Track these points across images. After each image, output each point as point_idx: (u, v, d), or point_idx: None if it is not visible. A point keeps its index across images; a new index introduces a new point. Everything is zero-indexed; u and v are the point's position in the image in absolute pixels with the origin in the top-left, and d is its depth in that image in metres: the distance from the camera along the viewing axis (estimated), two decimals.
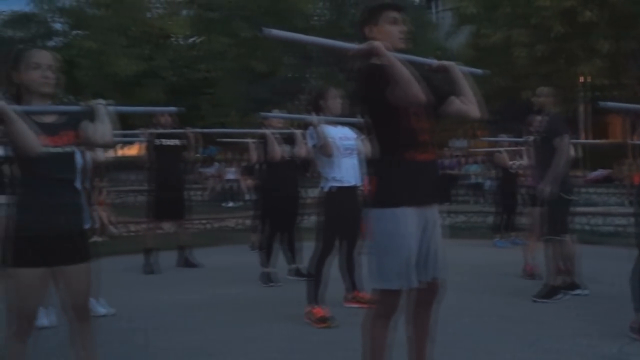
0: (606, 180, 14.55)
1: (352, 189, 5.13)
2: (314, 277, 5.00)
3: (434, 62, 3.01)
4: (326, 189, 5.06)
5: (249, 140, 7.95)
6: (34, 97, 2.87)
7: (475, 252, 8.61)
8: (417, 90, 2.66)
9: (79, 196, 3.01)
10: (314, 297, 4.95)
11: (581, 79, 15.34)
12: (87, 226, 3.13)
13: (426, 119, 2.93)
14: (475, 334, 4.52)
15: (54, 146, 2.83)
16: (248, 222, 12.84)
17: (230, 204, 14.85)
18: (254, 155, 7.78)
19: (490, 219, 11.75)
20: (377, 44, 2.70)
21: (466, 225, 12.60)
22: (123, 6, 16.47)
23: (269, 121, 6.67)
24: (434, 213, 3.01)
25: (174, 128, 7.66)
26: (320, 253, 5.04)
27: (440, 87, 3.04)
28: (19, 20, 16.52)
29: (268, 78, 16.33)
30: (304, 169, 6.90)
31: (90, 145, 3.03)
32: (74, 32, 16.88)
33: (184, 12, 21.26)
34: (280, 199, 6.53)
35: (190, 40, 21.67)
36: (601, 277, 6.63)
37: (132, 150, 16.53)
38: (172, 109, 3.81)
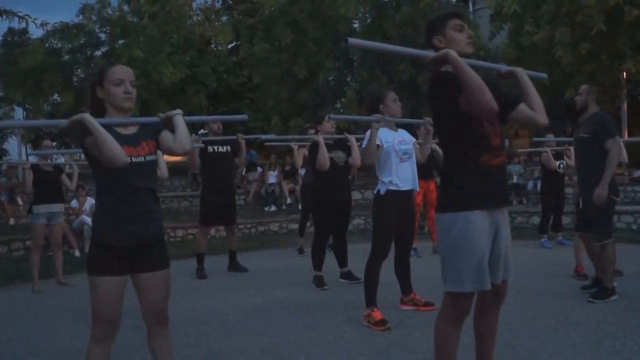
0: None
1: (408, 193, 5.20)
2: (370, 280, 5.07)
3: (503, 67, 3.05)
4: (382, 192, 5.12)
5: (293, 144, 8.05)
6: (116, 112, 3.01)
7: (523, 253, 8.57)
8: (490, 98, 2.72)
9: (159, 205, 3.12)
10: (372, 299, 5.02)
11: (624, 75, 15.07)
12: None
13: (497, 124, 3.00)
14: (533, 336, 4.52)
15: (136, 156, 2.95)
16: (292, 225, 13.04)
17: (273, 208, 14.95)
18: (298, 160, 7.89)
19: (534, 220, 11.70)
20: (451, 52, 2.77)
21: (511, 225, 12.48)
22: (166, 14, 16.67)
23: (322, 126, 6.72)
24: (504, 216, 3.09)
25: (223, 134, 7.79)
26: (375, 256, 5.09)
27: (509, 93, 3.10)
28: (68, 30, 16.89)
29: (310, 83, 16.38)
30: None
31: (171, 153, 3.13)
32: (120, 41, 17.17)
33: (224, 18, 21.53)
34: (333, 203, 6.58)
35: (230, 46, 21.87)
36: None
37: (175, 156, 16.73)
38: (243, 117, 3.92)
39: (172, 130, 3.07)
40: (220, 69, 20.87)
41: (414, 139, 5.44)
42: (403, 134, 5.33)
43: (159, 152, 3.15)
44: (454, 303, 2.98)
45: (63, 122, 2.90)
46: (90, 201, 10.91)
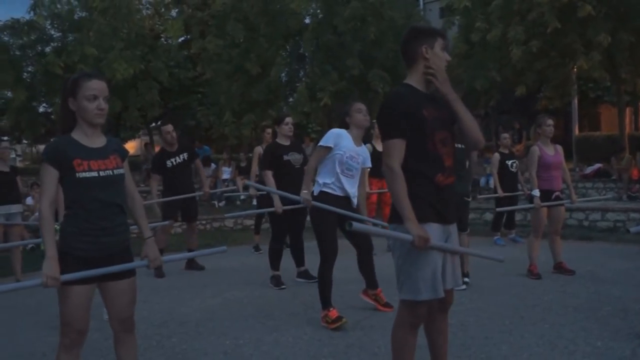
0: (601, 175, 14.57)
1: (343, 198, 5.19)
2: (324, 283, 5.06)
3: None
4: (315, 193, 5.17)
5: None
6: (87, 126, 2.98)
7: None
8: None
9: (126, 215, 3.12)
10: (327, 301, 5.02)
11: (574, 72, 15.40)
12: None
13: (451, 144, 3.10)
14: (489, 337, 4.57)
15: (104, 170, 2.96)
16: (247, 222, 12.97)
17: (222, 203, 14.86)
18: (254, 167, 8.00)
19: (487, 216, 11.84)
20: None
21: None
22: (116, 9, 16.43)
23: (281, 128, 6.63)
24: (454, 226, 3.20)
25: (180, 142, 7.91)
26: (324, 258, 5.09)
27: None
28: (19, 27, 16.65)
29: (262, 79, 16.28)
30: None
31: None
32: (70, 37, 16.91)
33: (174, 12, 21.27)
34: (289, 203, 6.43)
35: (180, 40, 21.60)
36: (604, 275, 6.75)
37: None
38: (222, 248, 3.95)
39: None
40: (171, 63, 20.62)
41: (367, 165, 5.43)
42: (362, 151, 5.29)
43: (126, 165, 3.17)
44: (410, 311, 3.07)
45: (36, 282, 2.87)
46: None
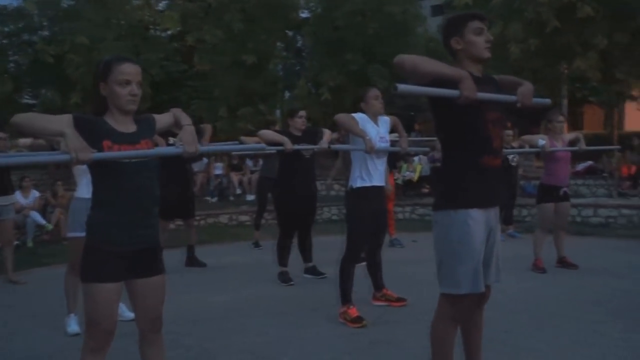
0: (592, 172, 14.77)
1: (379, 189, 5.17)
2: (346, 278, 5.02)
3: (513, 98, 3.02)
4: (355, 187, 5.07)
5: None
6: (119, 113, 2.81)
7: None
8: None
9: (158, 206, 2.94)
10: (347, 297, 4.98)
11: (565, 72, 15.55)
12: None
13: (500, 126, 3.02)
14: (509, 331, 4.57)
15: None
16: (242, 217, 12.93)
17: (215, 199, 14.80)
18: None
19: None
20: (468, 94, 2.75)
21: None
22: None
23: (293, 121, 6.52)
24: (496, 219, 3.13)
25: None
26: (350, 253, 5.04)
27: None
28: (8, 14, 16.21)
29: (259, 72, 16.20)
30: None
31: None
32: (58, 27, 16.54)
33: (163, 3, 21.06)
34: (299, 198, 6.46)
35: (169, 32, 21.41)
36: (609, 269, 6.85)
37: None
38: (261, 145, 3.84)
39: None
40: (161, 55, 20.40)
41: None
42: (383, 130, 5.23)
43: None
44: (451, 305, 3.01)
45: (65, 157, 2.56)
46: (34, 194, 10.48)
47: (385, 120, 5.29)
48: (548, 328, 4.63)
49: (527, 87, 3.02)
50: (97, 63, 2.89)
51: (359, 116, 5.04)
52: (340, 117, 5.03)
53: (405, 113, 14.57)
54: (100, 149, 2.67)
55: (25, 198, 10.47)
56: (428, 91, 2.83)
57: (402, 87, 2.64)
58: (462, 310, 3.03)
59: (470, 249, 2.91)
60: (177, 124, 3.01)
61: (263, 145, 4.17)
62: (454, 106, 2.81)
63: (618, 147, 9.95)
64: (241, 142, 7.75)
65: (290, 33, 17.46)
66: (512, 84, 3.13)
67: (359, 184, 5.06)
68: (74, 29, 15.45)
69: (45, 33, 17.54)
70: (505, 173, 9.19)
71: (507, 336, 4.44)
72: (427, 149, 8.95)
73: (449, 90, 2.75)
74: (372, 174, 5.05)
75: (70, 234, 4.69)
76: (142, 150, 2.78)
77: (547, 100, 3.42)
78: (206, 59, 16.93)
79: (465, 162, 2.95)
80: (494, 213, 3.09)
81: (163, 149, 2.98)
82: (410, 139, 6.32)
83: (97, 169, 2.75)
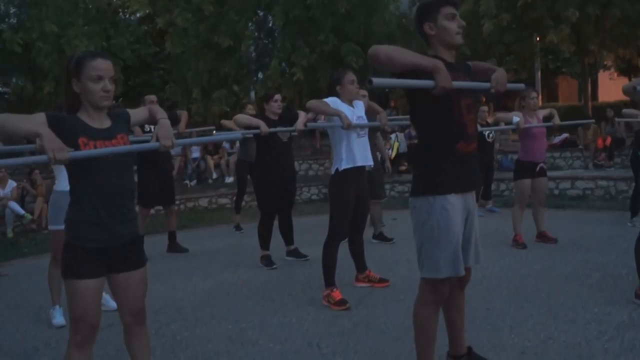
0: (568, 145, 14.92)
1: (362, 169, 5.16)
2: (328, 261, 5.03)
3: (487, 85, 3.06)
4: (340, 169, 5.03)
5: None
6: (92, 109, 2.79)
7: None
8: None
9: (134, 201, 2.95)
10: (331, 280, 5.00)
11: (538, 45, 15.66)
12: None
13: (474, 112, 3.07)
14: (491, 309, 4.63)
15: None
16: (221, 200, 12.91)
17: (194, 182, 14.73)
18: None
19: None
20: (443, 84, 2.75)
21: None
22: None
23: (269, 105, 6.45)
24: (474, 202, 3.19)
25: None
26: (333, 236, 5.04)
27: None
28: None
29: (231, 54, 16.04)
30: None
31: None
32: (25, 14, 16.20)
33: None
34: (278, 181, 6.44)
35: (138, 15, 21.10)
36: (586, 243, 6.92)
37: None
38: (237, 134, 3.80)
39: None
40: (131, 39, 20.13)
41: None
42: (358, 110, 5.22)
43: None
44: (432, 289, 3.06)
45: (42, 157, 2.56)
46: (11, 184, 10.36)
47: (360, 104, 5.30)
48: (529, 304, 4.67)
49: (500, 73, 3.06)
50: (69, 59, 2.86)
51: (330, 100, 5.03)
52: (312, 102, 5.05)
53: (380, 90, 14.56)
54: (77, 147, 2.65)
55: (2, 189, 10.35)
56: (404, 83, 2.87)
57: (377, 80, 2.67)
58: (442, 294, 3.09)
59: (449, 234, 2.96)
60: (153, 119, 3.00)
61: (238, 134, 4.16)
62: (429, 95, 2.82)
63: (592, 120, 10.10)
64: (222, 126, 7.69)
65: (261, 13, 17.24)
66: (485, 70, 3.19)
67: (343, 165, 5.03)
68: (42, 16, 15.11)
69: (13, 21, 17.17)
70: (481, 149, 9.49)
71: (488, 314, 4.49)
72: (407, 121, 8.95)
73: (425, 81, 2.76)
74: (356, 154, 5.04)
75: (52, 227, 4.70)
76: (119, 147, 2.77)
77: (521, 85, 3.49)
78: (177, 43, 16.65)
79: (441, 149, 2.99)
80: (471, 197, 3.15)
81: (140, 146, 2.95)
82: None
83: (73, 166, 2.73)
